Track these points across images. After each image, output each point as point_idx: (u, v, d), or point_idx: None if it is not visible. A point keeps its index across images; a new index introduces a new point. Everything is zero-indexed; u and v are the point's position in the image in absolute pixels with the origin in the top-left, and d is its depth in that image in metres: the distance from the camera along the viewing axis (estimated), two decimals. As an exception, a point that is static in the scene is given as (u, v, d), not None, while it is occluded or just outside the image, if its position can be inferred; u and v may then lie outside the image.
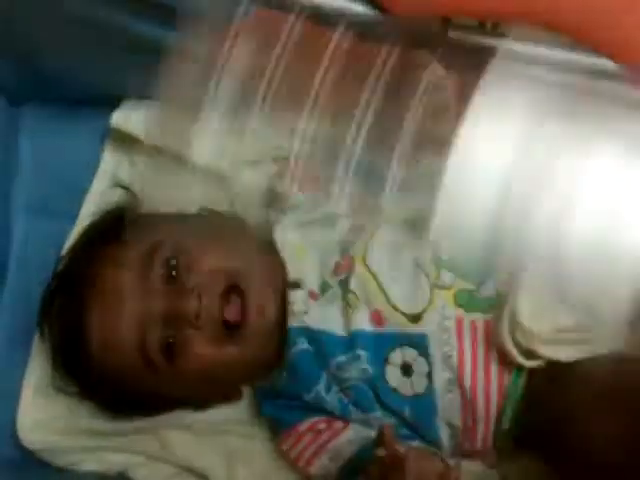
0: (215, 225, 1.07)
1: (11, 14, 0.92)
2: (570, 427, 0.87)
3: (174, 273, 0.96)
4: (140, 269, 0.96)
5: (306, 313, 0.97)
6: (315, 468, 0.99)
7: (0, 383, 1.08)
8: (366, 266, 0.95)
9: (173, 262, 0.96)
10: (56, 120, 1.14)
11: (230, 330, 0.95)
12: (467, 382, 0.91)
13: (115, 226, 1.03)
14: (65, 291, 1.02)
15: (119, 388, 0.99)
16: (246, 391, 1.08)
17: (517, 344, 0.88)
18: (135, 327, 0.95)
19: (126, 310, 0.95)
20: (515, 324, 0.87)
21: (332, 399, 0.98)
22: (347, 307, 0.95)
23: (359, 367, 0.95)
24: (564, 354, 0.87)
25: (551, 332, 0.86)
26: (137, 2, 0.84)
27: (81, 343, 0.98)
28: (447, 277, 0.93)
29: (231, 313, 0.95)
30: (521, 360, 0.88)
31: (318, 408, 0.99)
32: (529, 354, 0.88)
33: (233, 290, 0.95)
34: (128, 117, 1.10)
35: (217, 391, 1.06)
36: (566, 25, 0.69)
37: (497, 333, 0.89)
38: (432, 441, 0.95)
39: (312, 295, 0.98)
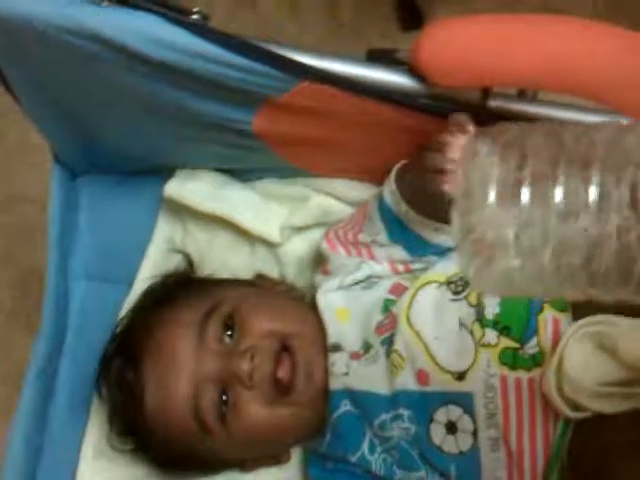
0: (268, 289, 1.11)
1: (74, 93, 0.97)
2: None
3: (229, 334, 1.00)
4: (196, 330, 1.00)
5: (347, 374, 0.99)
6: None
7: (60, 446, 1.11)
8: (410, 325, 0.97)
9: (229, 323, 1.00)
10: (112, 191, 1.19)
11: (281, 391, 0.98)
12: (512, 440, 0.92)
13: (173, 290, 1.08)
14: (122, 352, 1.06)
15: (172, 447, 1.02)
16: (295, 452, 1.10)
17: (563, 396, 0.88)
18: (189, 387, 0.98)
19: (181, 370, 0.99)
20: (562, 375, 0.88)
21: (376, 460, 0.99)
22: (392, 367, 0.97)
23: (402, 426, 0.97)
24: (610, 407, 0.87)
25: (598, 385, 0.87)
26: (193, 81, 0.88)
27: (137, 402, 1.01)
28: (492, 336, 0.93)
29: (283, 372, 0.98)
30: (567, 412, 0.88)
31: (364, 470, 1.00)
32: (575, 406, 0.88)
33: (284, 351, 0.99)
34: (181, 187, 1.13)
35: (266, 452, 1.08)
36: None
37: (544, 385, 0.90)
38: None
39: (354, 356, 1.00)
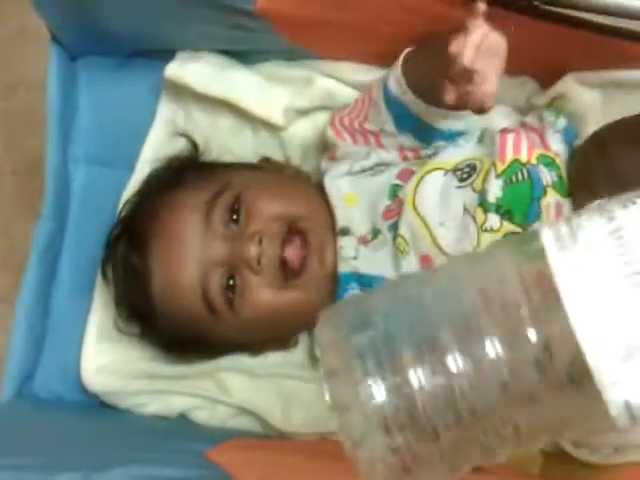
0: (275, 173, 1.11)
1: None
2: None
3: (235, 217, 1.00)
4: (203, 214, 1.00)
5: (355, 258, 1.00)
6: None
7: (64, 329, 1.14)
8: (415, 210, 0.97)
9: (235, 206, 1.00)
10: (113, 72, 1.18)
11: (289, 275, 0.99)
12: None
13: (177, 173, 1.08)
14: (128, 235, 1.07)
15: (179, 330, 1.04)
16: (302, 337, 1.12)
17: None
18: (197, 270, 0.99)
19: (188, 254, 1.00)
20: None
21: None
22: (397, 251, 0.98)
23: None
24: None
25: None
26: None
27: (144, 286, 1.02)
28: (494, 220, 0.93)
29: (291, 253, 0.99)
30: None
31: None
32: None
33: (295, 234, 1.00)
34: (183, 68, 1.12)
35: (274, 336, 1.09)
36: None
37: None
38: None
39: (362, 240, 1.01)
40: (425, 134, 1.02)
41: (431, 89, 0.94)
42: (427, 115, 1.00)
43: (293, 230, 1.00)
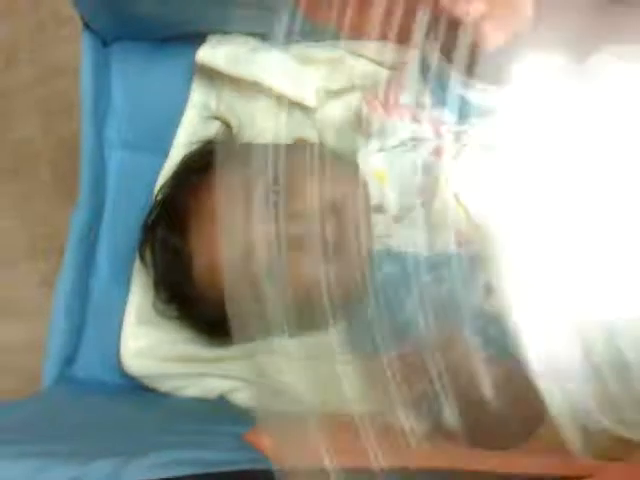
0: (312, 153, 1.11)
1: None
2: None
3: (275, 198, 1.00)
4: (243, 194, 1.00)
5: (389, 236, 1.01)
6: None
7: (103, 313, 1.16)
8: (450, 187, 0.97)
9: (276, 187, 1.00)
10: (145, 58, 1.20)
11: (329, 254, 0.99)
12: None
13: (214, 155, 1.08)
14: (168, 218, 1.07)
15: (220, 312, 1.04)
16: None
17: None
18: (239, 252, 1.00)
19: (229, 235, 1.00)
20: None
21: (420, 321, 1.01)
22: (431, 228, 0.98)
23: (445, 288, 0.98)
24: None
25: None
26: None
27: (184, 268, 1.03)
28: None
29: (331, 233, 0.99)
30: None
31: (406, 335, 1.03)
32: None
33: (332, 214, 1.00)
34: (214, 52, 1.14)
35: (314, 315, 1.10)
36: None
37: None
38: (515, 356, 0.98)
39: (396, 218, 1.01)
40: (460, 108, 1.02)
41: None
42: (459, 86, 0.99)
43: (331, 209, 1.00)
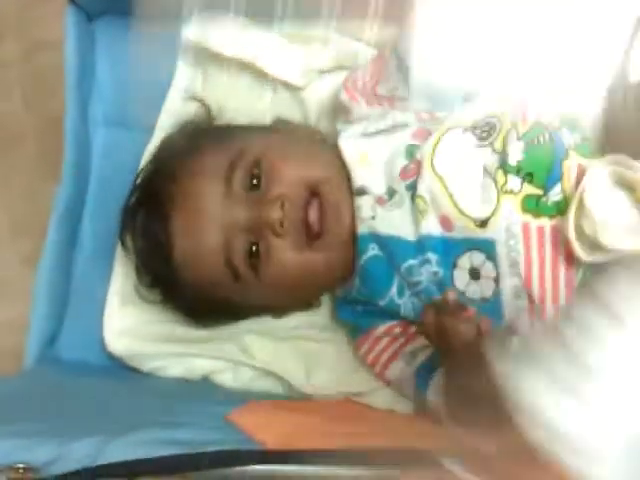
0: (293, 134, 1.12)
1: None
2: None
3: (256, 182, 1.01)
4: (222, 180, 1.01)
5: (373, 218, 1.01)
6: (392, 372, 1.04)
7: (86, 293, 1.16)
8: (434, 171, 0.98)
9: (255, 171, 1.01)
10: (130, 34, 1.17)
11: (312, 237, 1.00)
12: (535, 288, 0.93)
13: (193, 139, 1.08)
14: (147, 203, 1.07)
15: (202, 297, 1.05)
16: (324, 298, 1.14)
17: (583, 239, 0.89)
18: (219, 236, 1.01)
19: (210, 220, 1.01)
20: (581, 213, 0.89)
21: (405, 303, 1.02)
22: (416, 212, 0.99)
23: (429, 270, 0.99)
24: (629, 244, 0.88)
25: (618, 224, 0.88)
26: None
27: (165, 254, 1.03)
28: (515, 183, 0.94)
29: (313, 217, 1.00)
30: (582, 254, 0.89)
31: (393, 314, 1.04)
32: (594, 249, 0.89)
33: (313, 197, 1.01)
34: (200, 30, 1.14)
35: (298, 299, 1.11)
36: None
37: (563, 227, 0.91)
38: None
39: (379, 200, 1.01)
40: (439, 98, 1.03)
41: None
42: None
43: (313, 193, 1.01)
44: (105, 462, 0.80)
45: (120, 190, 1.13)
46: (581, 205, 0.89)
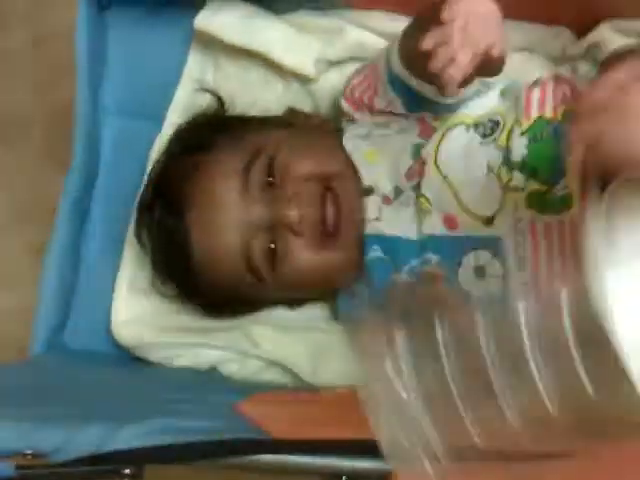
0: (306, 126, 1.12)
1: None
2: None
3: (272, 180, 1.02)
4: (240, 178, 1.02)
5: (378, 219, 1.02)
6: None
7: (95, 281, 1.17)
8: (438, 169, 0.98)
9: (272, 170, 1.02)
10: (142, 24, 1.20)
11: (328, 235, 1.01)
12: (543, 284, 0.91)
13: (207, 132, 1.09)
14: (164, 200, 1.08)
15: (219, 293, 1.07)
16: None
17: None
18: (238, 236, 1.01)
19: (228, 220, 1.02)
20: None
21: None
22: (419, 211, 0.99)
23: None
24: None
25: None
26: None
27: (183, 252, 1.04)
28: (519, 179, 0.94)
29: (330, 216, 1.01)
30: None
31: None
32: None
33: (327, 192, 1.01)
34: (213, 19, 1.14)
35: (313, 294, 1.12)
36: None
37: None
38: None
39: (386, 200, 1.02)
40: (439, 108, 1.02)
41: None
42: (430, 91, 0.99)
43: (327, 187, 1.01)
44: (113, 449, 0.80)
45: (130, 179, 1.14)
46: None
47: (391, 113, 1.05)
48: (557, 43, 1.09)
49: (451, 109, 1.02)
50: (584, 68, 1.03)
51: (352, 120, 1.09)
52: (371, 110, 1.06)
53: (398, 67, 0.99)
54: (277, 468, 0.85)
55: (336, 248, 1.02)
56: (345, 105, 1.08)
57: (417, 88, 0.99)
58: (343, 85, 1.10)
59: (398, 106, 1.03)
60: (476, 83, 0.97)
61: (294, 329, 1.12)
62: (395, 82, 1.01)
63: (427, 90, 0.99)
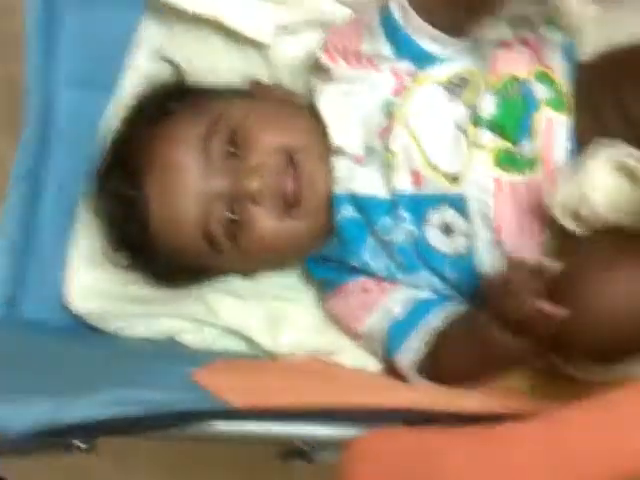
0: (265, 97, 1.10)
1: None
2: None
3: (233, 150, 1.00)
4: (200, 147, 1.00)
5: (349, 179, 1.00)
6: (362, 327, 1.04)
7: (48, 251, 1.14)
8: (407, 126, 0.97)
9: (234, 139, 1.00)
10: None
11: (289, 205, 1.00)
12: (507, 242, 0.94)
13: (166, 102, 1.07)
14: (122, 168, 1.05)
15: (175, 263, 1.05)
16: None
17: (569, 211, 0.89)
18: (198, 205, 1.00)
19: (188, 188, 1.00)
20: (584, 200, 0.87)
21: (378, 264, 1.02)
22: (388, 169, 0.98)
23: (404, 228, 0.99)
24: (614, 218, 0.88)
25: (616, 215, 0.87)
26: None
27: (140, 220, 1.02)
28: (486, 137, 0.94)
29: (290, 186, 0.99)
30: (573, 227, 0.89)
31: (366, 273, 1.04)
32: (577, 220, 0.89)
33: (290, 166, 1.00)
34: (165, -16, 1.11)
35: (275, 264, 1.11)
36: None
37: (553, 199, 0.89)
38: (474, 298, 0.98)
39: (357, 159, 1.01)
40: (425, 60, 1.02)
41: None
42: (430, 42, 1.01)
43: (291, 160, 1.00)
44: (66, 422, 0.79)
45: (84, 149, 1.12)
46: (582, 185, 0.88)
47: (369, 63, 1.03)
48: (519, 6, 1.07)
49: (436, 60, 1.02)
50: (547, 32, 1.02)
51: (325, 78, 1.07)
52: (356, 56, 1.04)
53: (404, 15, 1.00)
54: (234, 437, 0.85)
55: (300, 216, 1.01)
56: (323, 58, 1.06)
57: (422, 41, 1.01)
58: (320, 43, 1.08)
59: (387, 51, 1.02)
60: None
61: (253, 297, 1.11)
62: (391, 26, 1.01)
63: (434, 38, 1.00)
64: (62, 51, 1.17)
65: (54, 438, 0.80)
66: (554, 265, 0.86)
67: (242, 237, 1.01)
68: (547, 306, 0.83)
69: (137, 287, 1.11)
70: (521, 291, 0.86)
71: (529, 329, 0.86)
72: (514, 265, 0.88)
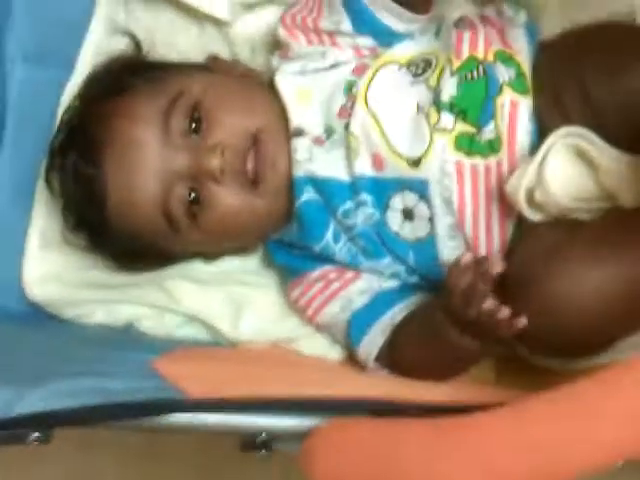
0: (230, 74, 1.08)
1: None
2: None
3: (195, 127, 0.98)
4: (160, 123, 0.98)
5: (309, 160, 0.99)
6: (324, 316, 1.03)
7: (4, 237, 1.12)
8: (367, 107, 0.96)
9: (195, 114, 0.98)
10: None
11: (250, 184, 0.98)
12: (468, 228, 0.93)
13: (123, 76, 1.04)
14: (79, 144, 1.03)
15: (134, 243, 1.03)
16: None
17: (529, 199, 0.88)
18: (157, 183, 0.98)
19: (147, 166, 0.98)
20: (539, 180, 0.87)
21: (341, 249, 1.01)
22: (349, 151, 0.97)
23: (366, 212, 0.97)
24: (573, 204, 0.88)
25: (572, 199, 0.87)
26: None
27: (98, 198, 1.00)
28: (447, 120, 0.92)
29: (251, 165, 0.98)
30: (530, 214, 0.88)
31: (328, 259, 1.03)
32: (538, 209, 0.89)
33: (252, 146, 0.98)
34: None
35: (235, 245, 1.09)
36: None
37: (508, 184, 0.89)
38: (437, 286, 0.96)
39: (317, 140, 0.99)
40: (384, 35, 1.01)
41: None
42: (389, 16, 1.00)
43: (251, 139, 0.98)
44: (21, 413, 0.77)
45: (40, 127, 1.10)
46: (540, 171, 0.87)
47: (330, 39, 1.02)
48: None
49: (398, 38, 1.01)
50: (509, 12, 1.01)
51: (285, 56, 1.05)
52: (316, 32, 1.03)
53: None
54: (193, 429, 0.83)
55: (261, 194, 0.99)
56: (282, 33, 1.04)
57: (380, 13, 1.00)
58: (278, 17, 1.07)
59: (345, 26, 1.01)
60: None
61: (213, 282, 1.10)
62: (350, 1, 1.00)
63: (394, 14, 0.99)
64: (16, 26, 1.13)
65: (7, 430, 0.78)
66: (499, 263, 0.86)
67: (202, 216, 0.99)
68: (496, 307, 0.84)
69: (96, 272, 1.09)
70: (468, 294, 0.86)
71: (483, 331, 0.86)
72: (457, 268, 0.88)
